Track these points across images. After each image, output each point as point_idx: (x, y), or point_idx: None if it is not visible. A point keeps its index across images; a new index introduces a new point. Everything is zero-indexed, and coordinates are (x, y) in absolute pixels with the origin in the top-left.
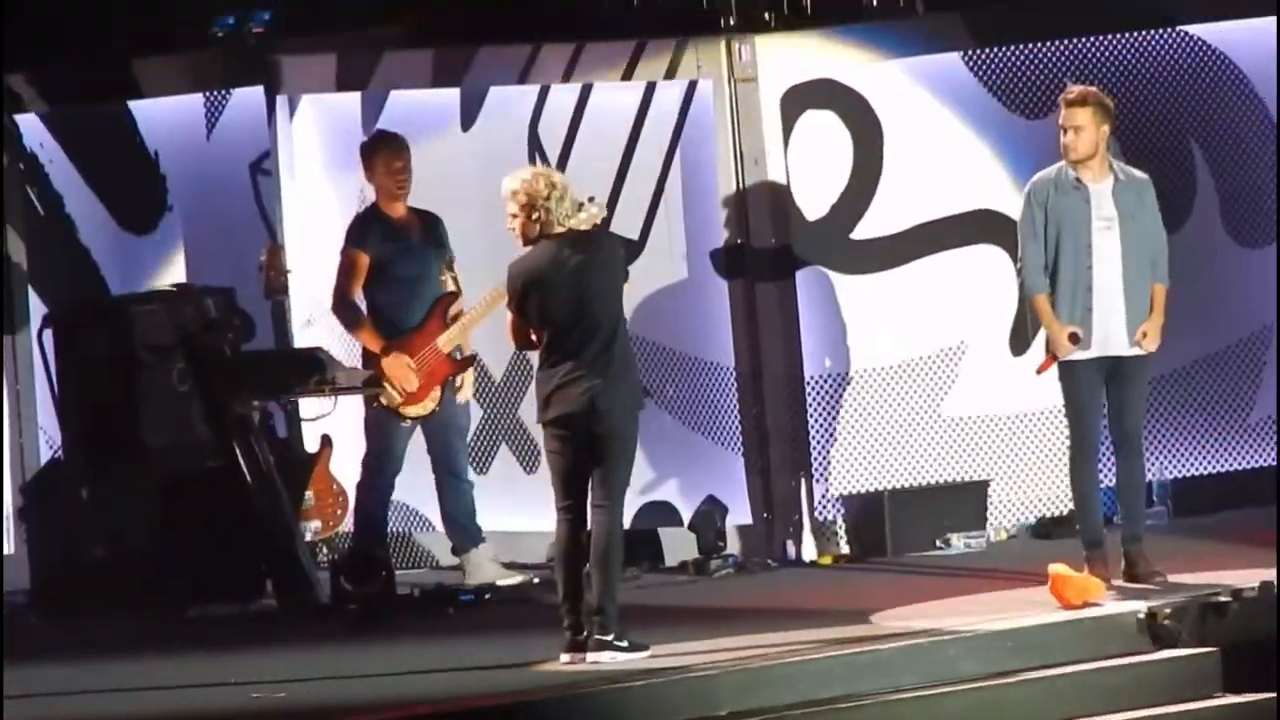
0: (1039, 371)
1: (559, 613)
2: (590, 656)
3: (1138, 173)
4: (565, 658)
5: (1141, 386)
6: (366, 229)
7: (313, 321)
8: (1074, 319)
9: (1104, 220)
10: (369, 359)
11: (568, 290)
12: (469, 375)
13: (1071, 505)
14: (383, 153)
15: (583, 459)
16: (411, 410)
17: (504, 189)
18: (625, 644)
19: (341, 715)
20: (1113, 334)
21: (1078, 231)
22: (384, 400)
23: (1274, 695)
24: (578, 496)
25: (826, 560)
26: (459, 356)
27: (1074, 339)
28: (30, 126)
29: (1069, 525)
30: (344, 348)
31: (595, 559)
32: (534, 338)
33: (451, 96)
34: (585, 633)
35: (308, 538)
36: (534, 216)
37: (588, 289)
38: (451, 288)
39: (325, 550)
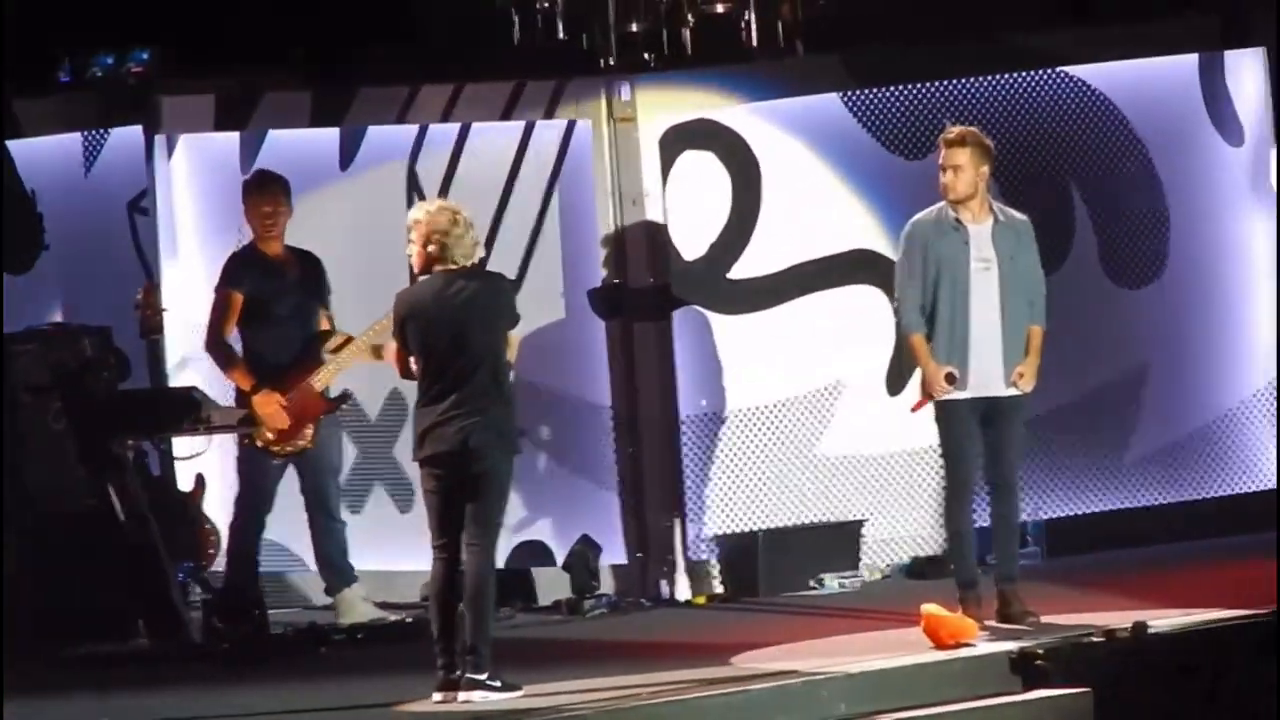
0: (913, 410)
1: (433, 651)
2: (462, 695)
3: (1018, 214)
4: (438, 696)
5: (1018, 428)
6: (241, 268)
7: (188, 361)
8: (951, 360)
9: (982, 261)
10: (242, 398)
11: (447, 326)
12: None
13: (945, 545)
14: (253, 196)
15: (457, 498)
16: (283, 449)
17: (409, 217)
18: (498, 684)
19: None
20: (989, 375)
21: (956, 273)
22: (256, 439)
23: None
24: (453, 535)
25: (701, 600)
26: (331, 396)
27: (950, 379)
28: None
29: (942, 565)
30: (218, 387)
31: (468, 598)
32: (414, 369)
33: (330, 136)
34: (458, 671)
35: (180, 577)
36: (429, 248)
37: (468, 327)
38: (326, 327)
39: (198, 589)
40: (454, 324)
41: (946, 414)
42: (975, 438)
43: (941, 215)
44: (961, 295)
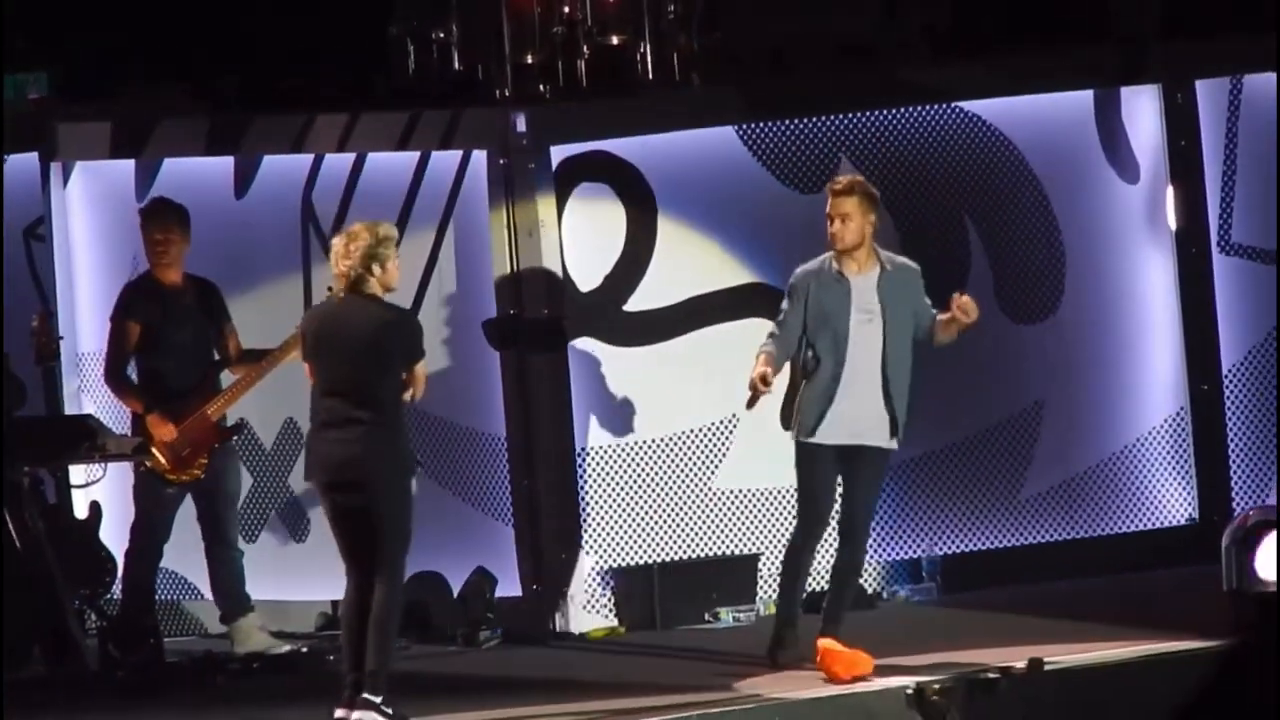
0: (748, 407)
1: (341, 669)
2: (355, 715)
3: (906, 262)
4: (339, 713)
5: (878, 477)
6: (137, 297)
7: (83, 388)
8: (826, 407)
9: (864, 313)
10: (139, 425)
11: (340, 352)
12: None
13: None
14: (147, 223)
15: (350, 524)
16: (178, 477)
17: (348, 230)
18: (390, 711)
19: None
20: (865, 424)
21: (837, 324)
22: (151, 465)
23: None
24: (357, 560)
25: (596, 633)
26: (226, 425)
27: (764, 380)
28: None
29: None
30: (114, 415)
31: (371, 621)
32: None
33: (225, 164)
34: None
35: (75, 604)
36: (344, 265)
37: (360, 356)
38: (234, 350)
39: (93, 617)
40: (347, 352)
41: (808, 455)
42: (833, 484)
43: (824, 267)
44: (842, 345)
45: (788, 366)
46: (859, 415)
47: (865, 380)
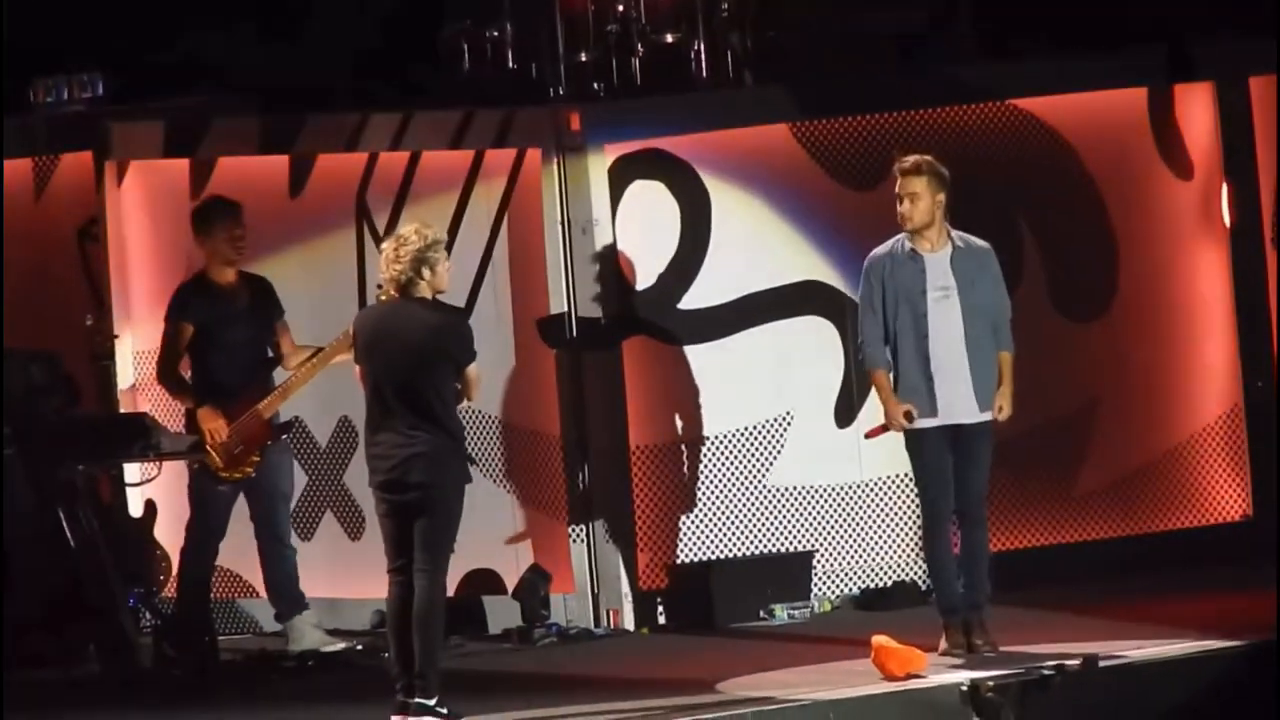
0: (868, 436)
1: (391, 674)
2: None
3: (978, 241)
4: (395, 719)
5: (985, 455)
6: (191, 298)
7: (137, 387)
8: (917, 390)
9: (940, 290)
10: (192, 424)
11: (394, 355)
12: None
13: (894, 577)
14: (224, 219)
15: (404, 524)
16: (230, 474)
17: (399, 233)
18: (445, 711)
19: None
20: (956, 402)
21: (914, 302)
22: (204, 463)
23: None
24: (407, 559)
25: (650, 631)
26: (278, 422)
27: (909, 416)
28: None
29: (892, 596)
30: (169, 413)
31: (417, 623)
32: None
33: (280, 163)
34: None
35: (131, 603)
36: (395, 269)
37: (414, 359)
38: (287, 348)
39: (148, 615)
40: (398, 354)
41: (918, 443)
42: (947, 466)
43: (897, 247)
44: (922, 324)
45: (840, 360)
46: (951, 393)
47: (950, 359)
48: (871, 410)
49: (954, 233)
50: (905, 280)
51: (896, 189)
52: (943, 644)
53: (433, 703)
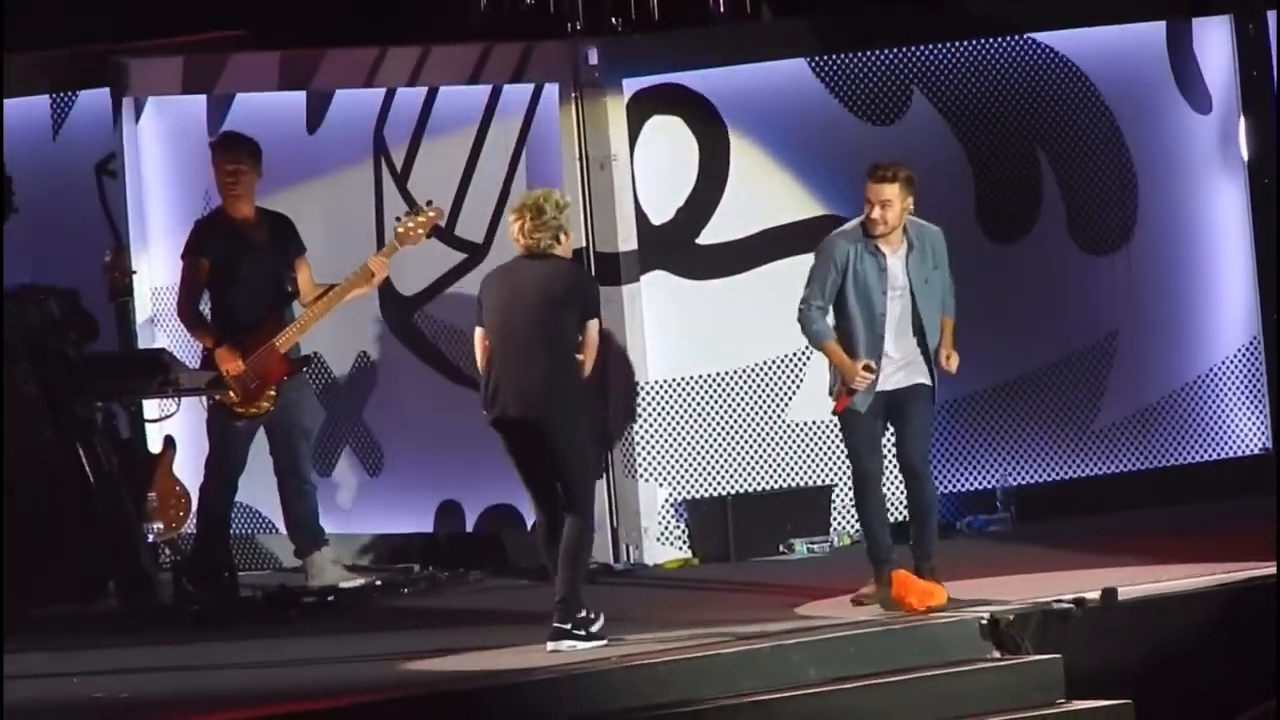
0: (835, 412)
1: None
2: (550, 645)
3: (929, 227)
4: (549, 645)
5: (922, 415)
6: (208, 234)
7: (156, 322)
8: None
9: (895, 290)
10: (210, 360)
11: (528, 299)
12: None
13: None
14: (218, 155)
15: (528, 461)
16: (246, 410)
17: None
18: (583, 632)
19: (184, 714)
20: (893, 374)
21: (873, 300)
22: (221, 399)
23: (1116, 703)
24: (538, 492)
25: (670, 565)
26: (295, 357)
27: (868, 369)
28: None
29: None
30: (187, 349)
31: (562, 553)
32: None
33: (297, 99)
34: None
35: (150, 539)
36: (536, 236)
37: (547, 305)
38: (306, 285)
39: (168, 552)
40: (535, 300)
41: (848, 414)
42: (879, 435)
43: (861, 240)
44: (878, 323)
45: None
46: (890, 369)
47: (900, 349)
48: None
49: (909, 227)
50: (866, 277)
51: (867, 194)
52: (865, 589)
53: (568, 626)
